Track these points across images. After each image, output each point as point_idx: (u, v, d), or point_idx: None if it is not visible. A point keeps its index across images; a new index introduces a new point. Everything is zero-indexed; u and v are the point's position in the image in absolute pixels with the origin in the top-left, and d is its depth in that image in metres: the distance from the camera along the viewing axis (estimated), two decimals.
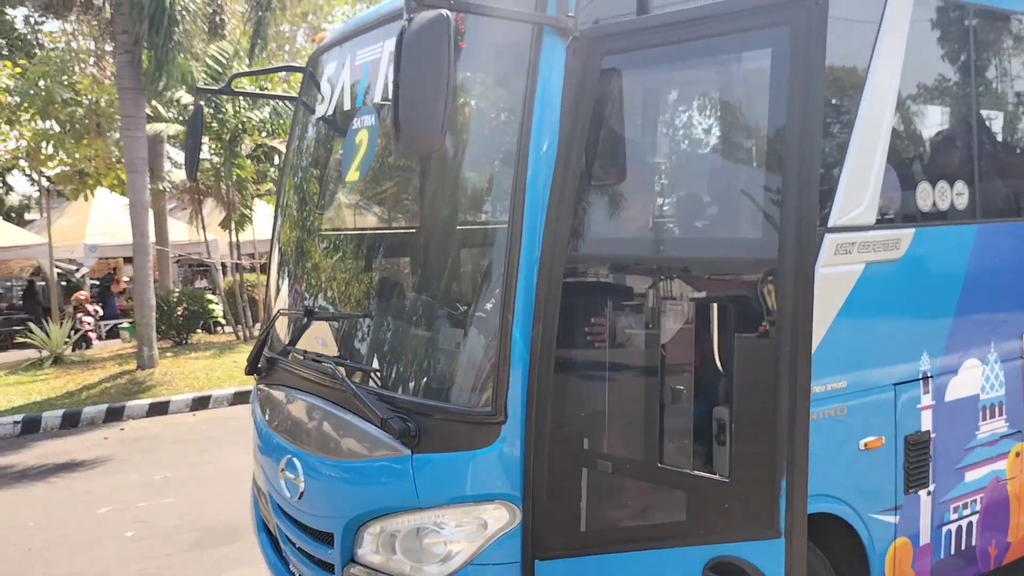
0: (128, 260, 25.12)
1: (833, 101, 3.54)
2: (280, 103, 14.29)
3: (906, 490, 3.67)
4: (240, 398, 11.64)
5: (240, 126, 14.89)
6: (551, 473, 2.70)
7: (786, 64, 2.39)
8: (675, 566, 2.65)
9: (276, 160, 15.78)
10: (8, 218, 26.27)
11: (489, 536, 2.79)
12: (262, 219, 17.34)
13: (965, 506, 3.95)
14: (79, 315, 17.11)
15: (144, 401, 11.20)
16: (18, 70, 14.02)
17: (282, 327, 3.96)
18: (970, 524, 4.00)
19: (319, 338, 3.63)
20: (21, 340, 14.72)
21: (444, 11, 2.36)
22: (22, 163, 15.79)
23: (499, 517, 2.78)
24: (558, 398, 2.69)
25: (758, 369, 2.50)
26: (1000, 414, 4.04)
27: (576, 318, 2.75)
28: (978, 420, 3.96)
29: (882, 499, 3.60)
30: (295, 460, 3.38)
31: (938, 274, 3.77)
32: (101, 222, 19.28)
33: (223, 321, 16.66)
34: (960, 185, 3.84)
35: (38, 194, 31.74)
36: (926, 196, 3.74)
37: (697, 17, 2.56)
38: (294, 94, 4.39)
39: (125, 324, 17.99)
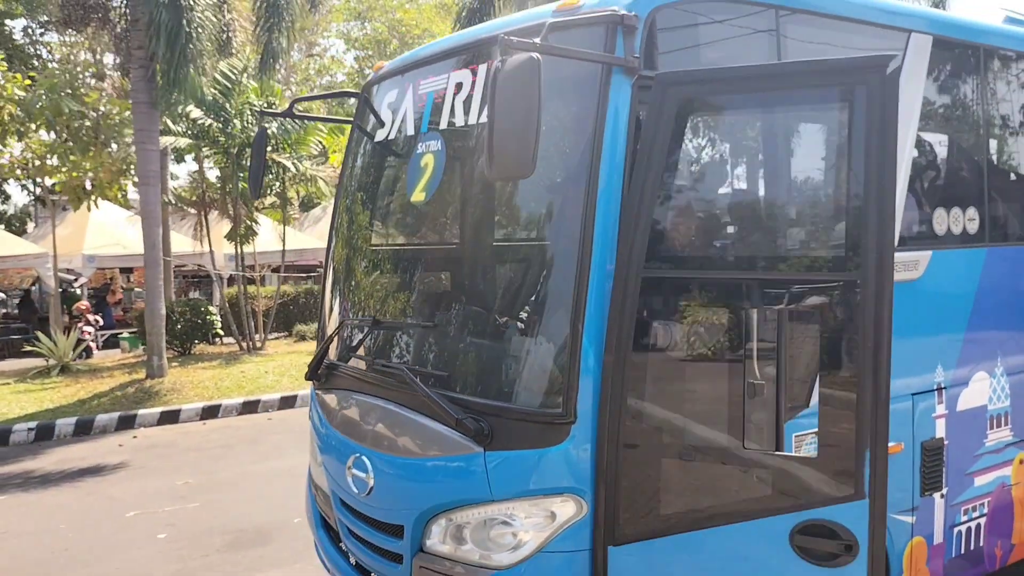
0: (124, 271, 25.34)
1: None
2: (285, 121, 14.55)
3: (922, 492, 3.99)
4: (249, 407, 11.89)
5: (247, 140, 15.11)
6: (624, 467, 2.99)
7: (864, 116, 2.80)
8: (761, 534, 2.97)
9: (280, 174, 15.98)
10: (9, 228, 26.29)
11: (557, 527, 3.07)
12: (264, 232, 17.60)
13: (974, 509, 4.27)
14: (80, 325, 17.21)
15: (155, 410, 11.39)
16: (27, 82, 14.22)
17: (344, 336, 4.22)
18: (979, 526, 4.31)
19: (386, 346, 3.91)
20: (28, 349, 14.84)
21: (535, 54, 2.66)
22: (19, 172, 15.88)
23: (567, 509, 3.06)
24: (626, 399, 2.98)
25: (846, 364, 2.93)
26: (1006, 424, 4.37)
27: (641, 327, 3.04)
28: (986, 429, 4.29)
29: (901, 500, 3.91)
30: (364, 458, 3.65)
31: (952, 293, 4.11)
32: (99, 232, 19.39)
33: (221, 332, 16.83)
34: (971, 211, 4.18)
35: (33, 205, 31.87)
36: (941, 221, 4.08)
37: (770, 74, 2.99)
38: (349, 119, 4.66)
39: (125, 334, 18.10)
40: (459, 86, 3.62)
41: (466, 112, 3.56)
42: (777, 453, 2.88)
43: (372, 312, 4.13)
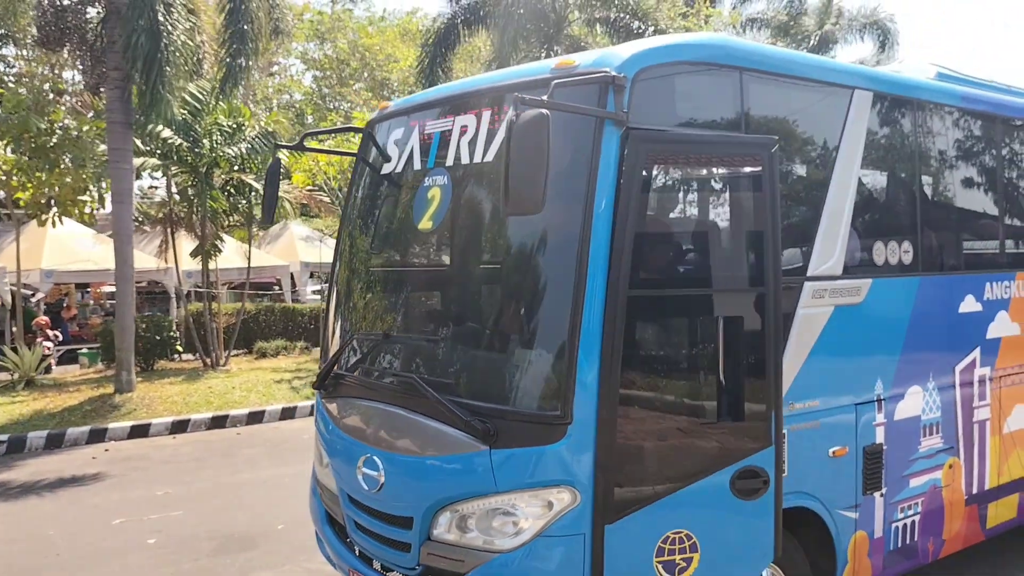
0: (80, 286, 25.16)
1: (810, 179, 4.48)
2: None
3: (864, 491, 4.54)
4: (218, 422, 12.12)
5: (215, 160, 15.38)
6: (615, 457, 3.49)
7: (761, 175, 3.82)
8: (712, 485, 3.72)
9: (247, 194, 16.24)
10: None
11: (554, 515, 3.53)
12: (227, 250, 17.79)
13: (910, 507, 4.84)
14: (40, 340, 17.18)
15: (126, 424, 11.58)
16: None
17: (353, 349, 4.64)
18: (913, 523, 4.88)
19: (396, 358, 4.35)
20: None
21: (544, 110, 3.16)
22: None
23: (563, 499, 3.52)
24: (615, 401, 3.48)
25: (758, 358, 3.84)
26: (937, 432, 4.96)
27: (627, 340, 3.55)
28: (920, 436, 4.87)
29: (846, 498, 4.46)
30: (375, 458, 4.07)
31: (889, 316, 4.70)
32: (57, 248, 19.35)
33: (180, 349, 16.94)
34: (907, 244, 4.79)
35: None
36: (880, 253, 4.67)
37: (709, 141, 3.97)
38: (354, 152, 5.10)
39: (84, 350, 18.08)
40: (464, 128, 4.10)
41: (471, 152, 4.04)
42: (723, 422, 3.78)
43: (381, 327, 4.57)
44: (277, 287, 24.58)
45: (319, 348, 18.19)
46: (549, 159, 3.15)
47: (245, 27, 14.98)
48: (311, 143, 5.23)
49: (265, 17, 15.55)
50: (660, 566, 3.64)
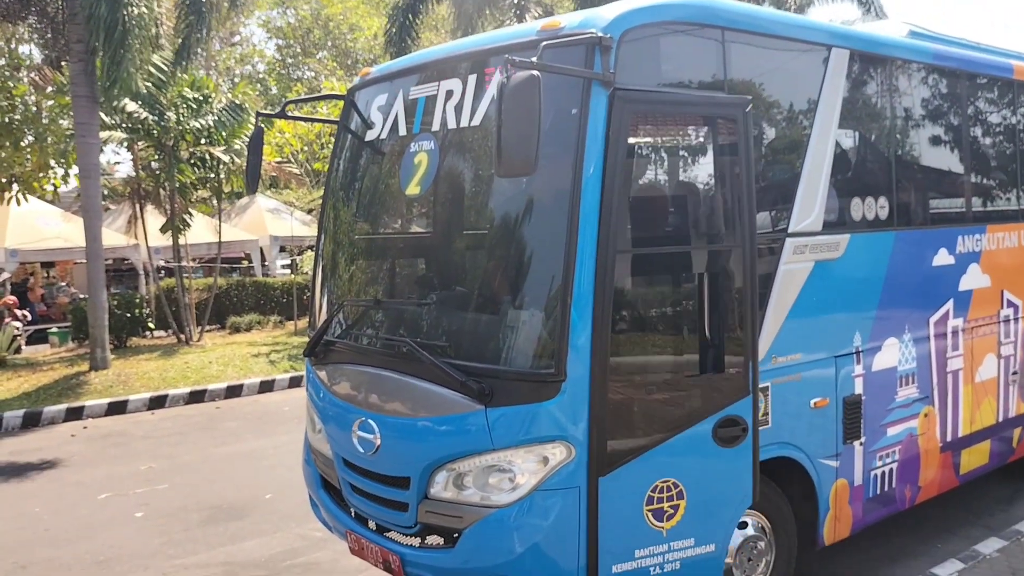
0: (46, 265, 24.76)
1: (791, 137, 4.56)
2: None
3: (844, 440, 4.69)
4: (196, 397, 12.09)
5: (181, 133, 15.17)
6: (606, 412, 3.59)
7: (740, 130, 3.93)
8: (697, 435, 3.88)
9: (215, 167, 16.06)
10: None
11: (550, 469, 3.61)
12: (196, 225, 17.59)
13: (887, 455, 5.00)
14: (8, 320, 16.94)
15: (103, 400, 11.50)
16: None
17: (344, 316, 4.67)
18: (891, 471, 5.05)
19: (388, 323, 4.40)
20: None
21: (535, 72, 3.20)
22: None
23: (558, 453, 3.60)
24: (606, 357, 3.57)
25: (735, 311, 4.02)
26: (913, 382, 5.12)
27: (616, 298, 3.64)
28: (897, 386, 5.03)
29: (827, 447, 4.61)
30: (371, 421, 4.12)
31: (867, 270, 4.82)
32: (21, 226, 19.01)
33: (152, 326, 16.80)
34: (882, 200, 4.90)
35: None
36: (857, 209, 4.78)
37: (688, 101, 4.06)
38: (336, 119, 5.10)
39: (54, 329, 17.85)
40: (450, 93, 4.12)
41: (458, 116, 4.06)
42: (706, 374, 3.96)
43: (371, 294, 4.60)
44: (247, 261, 24.39)
45: (292, 321, 18.24)
46: (541, 120, 3.19)
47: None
48: (292, 111, 5.20)
49: None
50: (650, 514, 3.77)
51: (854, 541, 5.09)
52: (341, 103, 5.20)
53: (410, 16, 17.29)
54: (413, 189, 4.28)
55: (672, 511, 3.83)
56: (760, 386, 4.18)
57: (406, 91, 4.44)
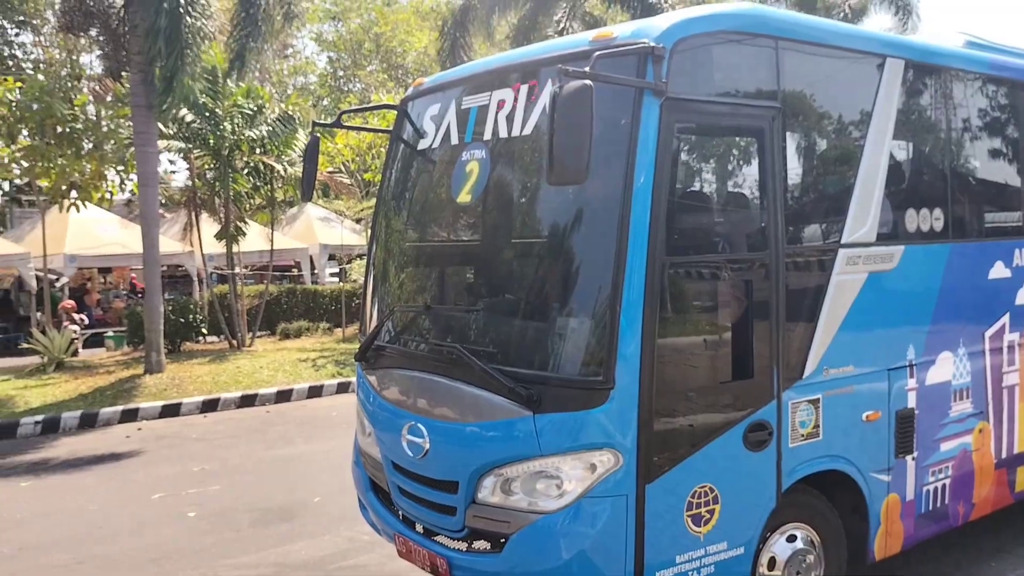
0: (103, 270, 25.43)
1: (844, 147, 4.54)
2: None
3: (896, 454, 4.62)
4: (247, 401, 12.31)
5: (236, 142, 15.50)
6: (653, 419, 3.63)
7: (768, 140, 4.03)
8: (731, 440, 3.93)
9: (269, 176, 16.39)
10: None
11: (597, 476, 3.63)
12: (248, 233, 17.95)
13: (940, 471, 4.92)
14: (66, 324, 17.43)
15: (157, 403, 11.78)
16: (19, 84, 14.46)
17: (394, 321, 4.75)
18: (944, 486, 4.96)
19: (438, 329, 4.46)
20: (25, 346, 15.10)
21: (588, 81, 3.24)
22: (15, 171, 16.05)
23: (605, 461, 3.62)
24: (653, 364, 3.60)
25: (764, 317, 4.05)
26: (967, 397, 5.03)
27: (662, 306, 3.66)
28: (951, 401, 4.94)
29: (879, 461, 4.55)
30: (420, 426, 4.18)
31: (921, 282, 4.76)
32: (80, 233, 19.57)
33: (205, 331, 17.15)
34: (937, 212, 4.84)
35: (7, 207, 31.75)
36: (912, 220, 4.73)
37: (726, 109, 4.05)
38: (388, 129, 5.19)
39: (110, 333, 18.33)
40: (502, 103, 4.18)
41: (509, 125, 4.11)
42: (740, 380, 3.98)
43: (422, 300, 4.67)
44: (296, 269, 24.78)
45: (340, 328, 18.49)
46: (592, 129, 3.23)
47: (255, 10, 14.96)
48: (346, 121, 5.31)
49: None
50: (690, 519, 3.81)
51: (905, 557, 5.00)
52: (393, 113, 5.29)
53: (462, 29, 17.53)
54: (464, 197, 4.34)
55: (708, 516, 3.87)
56: (811, 398, 4.18)
57: (458, 101, 4.51)
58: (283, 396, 12.64)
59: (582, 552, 3.64)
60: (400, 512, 4.50)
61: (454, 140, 4.50)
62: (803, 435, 4.18)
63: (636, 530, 3.63)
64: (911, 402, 4.70)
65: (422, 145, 4.78)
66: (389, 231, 5.09)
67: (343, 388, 13.05)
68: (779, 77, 4.10)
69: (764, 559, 4.16)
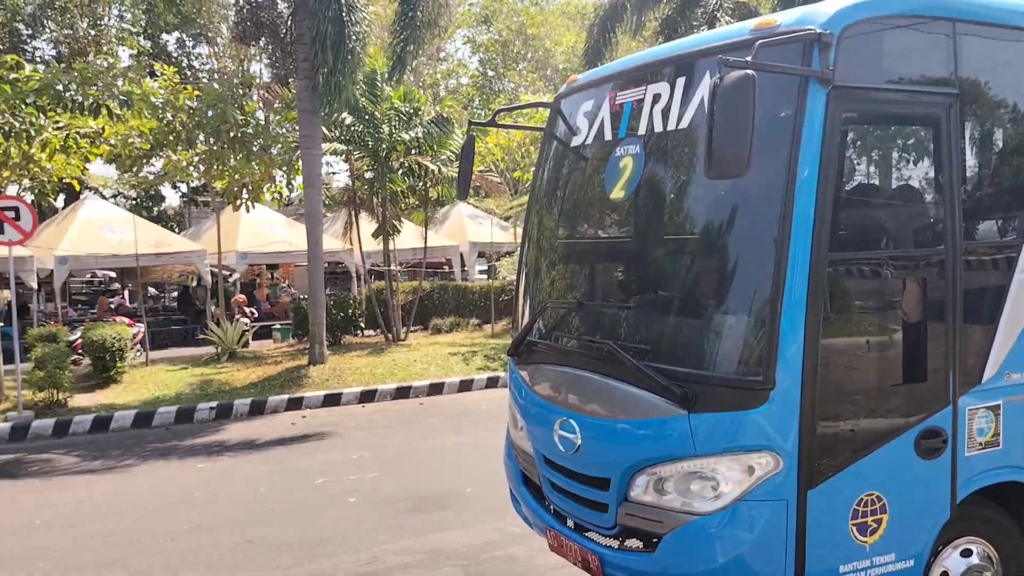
0: (270, 267, 27.02)
1: None
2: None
3: None
4: (402, 393, 12.76)
5: (393, 144, 16.05)
6: (815, 422, 3.49)
7: (944, 129, 3.79)
8: (901, 446, 3.73)
9: (423, 176, 16.89)
10: (166, 228, 28.35)
11: (755, 480, 3.53)
12: (405, 231, 18.58)
13: None
14: (238, 316, 18.62)
15: (319, 393, 12.40)
16: (197, 93, 15.55)
17: (547, 317, 4.79)
18: None
19: (591, 325, 4.46)
20: (201, 337, 16.30)
21: (750, 71, 3.14)
22: (193, 174, 17.27)
23: (764, 464, 3.51)
24: (815, 365, 3.45)
25: (940, 317, 3.82)
26: None
27: (828, 305, 3.51)
28: None
29: None
30: (571, 421, 4.19)
31: None
32: (250, 231, 20.84)
33: (363, 325, 17.87)
34: None
35: (185, 207, 34.37)
36: None
37: (897, 97, 3.80)
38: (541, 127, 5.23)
39: (277, 325, 19.43)
40: (657, 96, 4.12)
41: (664, 119, 4.05)
42: (911, 383, 3.76)
43: (574, 296, 4.68)
44: (447, 266, 25.42)
45: (489, 324, 18.83)
46: (754, 120, 3.13)
47: (414, 13, 15.41)
48: (503, 119, 5.40)
49: (434, 4, 15.96)
50: (855, 528, 3.65)
51: None
52: (544, 111, 5.32)
53: (607, 34, 17.50)
54: (618, 193, 4.31)
55: (875, 525, 3.68)
56: (991, 404, 3.90)
57: (612, 97, 4.48)
58: (435, 389, 13.01)
59: (739, 556, 3.55)
60: (551, 506, 4.53)
61: (607, 136, 4.47)
62: (981, 444, 3.90)
63: (796, 537, 3.50)
64: None
65: (575, 142, 4.78)
66: (541, 228, 5.13)
67: (492, 383, 13.29)
68: (957, 62, 3.83)
69: (936, 573, 3.91)
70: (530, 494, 4.78)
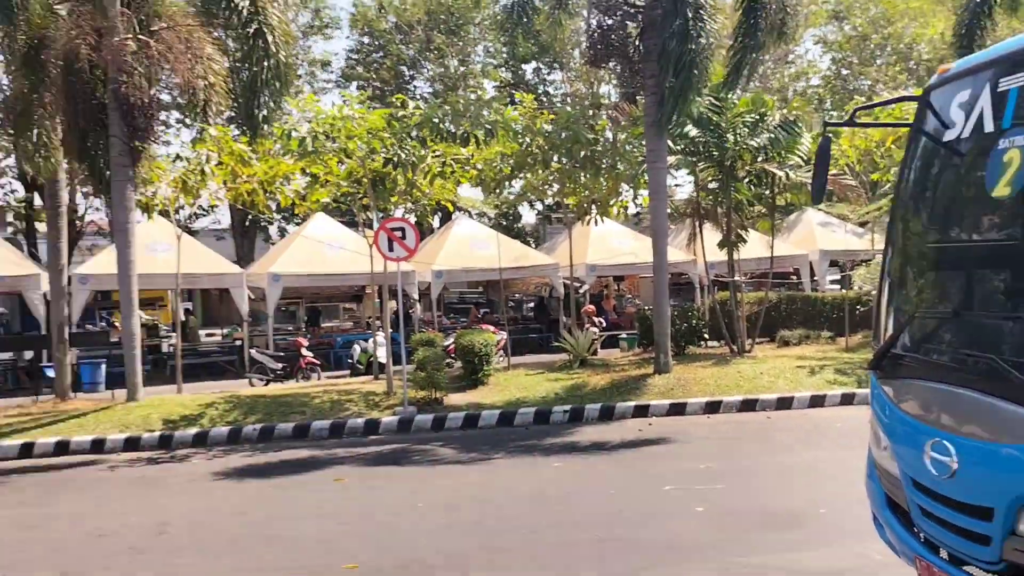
0: (617, 278, 27.92)
1: None
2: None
3: None
4: (747, 405, 12.50)
5: (738, 152, 15.78)
6: None
7: None
8: None
9: (770, 183, 16.41)
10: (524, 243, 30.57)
11: None
12: (750, 241, 18.14)
13: None
14: (588, 326, 19.47)
15: (665, 401, 12.58)
16: (552, 116, 16.58)
17: (915, 328, 4.45)
18: None
19: (969, 337, 4.07)
20: (555, 344, 17.35)
21: None
22: (548, 193, 18.48)
23: None
24: None
25: None
26: None
27: None
28: None
29: None
30: (946, 443, 3.84)
31: None
32: (598, 245, 21.67)
33: (706, 336, 17.72)
34: None
35: (540, 223, 36.81)
36: None
37: None
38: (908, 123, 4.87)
39: (624, 335, 20.01)
40: None
41: None
42: None
43: (948, 306, 4.29)
44: (795, 276, 24.37)
45: (843, 338, 17.71)
46: None
47: (757, 21, 14.97)
48: (862, 117, 5.11)
49: (778, 10, 15.37)
50: None
51: None
52: (906, 107, 4.94)
53: (980, 17, 15.63)
54: (1002, 191, 3.87)
55: None
56: None
57: (993, 84, 4.04)
58: (783, 403, 12.55)
59: None
60: (921, 534, 4.18)
61: (988, 127, 4.04)
62: None
63: None
64: None
65: (948, 136, 4.38)
66: (908, 233, 4.76)
67: (847, 399, 12.51)
68: None
69: None
70: (896, 519, 4.44)
